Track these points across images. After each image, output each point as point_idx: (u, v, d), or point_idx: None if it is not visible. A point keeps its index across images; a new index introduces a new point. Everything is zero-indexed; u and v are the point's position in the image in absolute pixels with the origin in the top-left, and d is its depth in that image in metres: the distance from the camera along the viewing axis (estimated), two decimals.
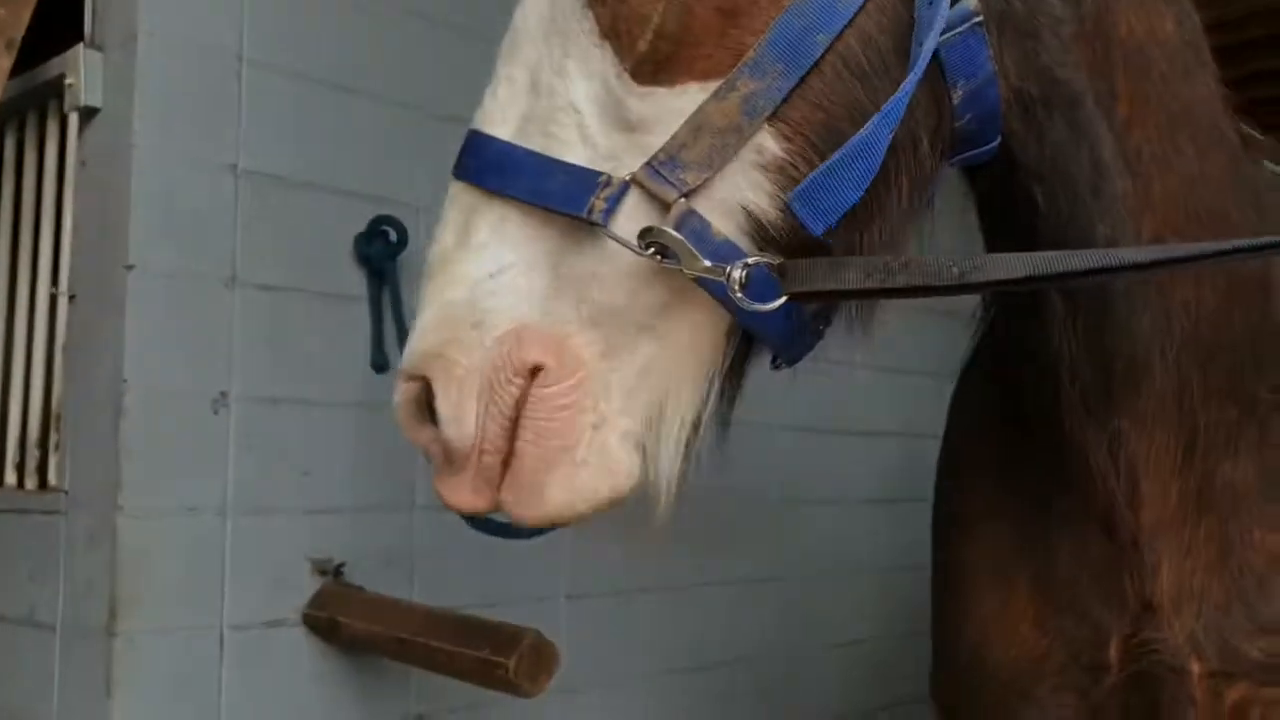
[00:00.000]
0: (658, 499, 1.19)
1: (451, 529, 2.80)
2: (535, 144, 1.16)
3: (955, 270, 1.11)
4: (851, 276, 1.11)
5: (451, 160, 2.86)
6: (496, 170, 1.16)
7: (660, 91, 1.13)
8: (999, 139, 1.30)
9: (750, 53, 1.12)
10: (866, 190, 1.13)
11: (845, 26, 1.13)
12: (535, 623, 2.27)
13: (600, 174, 1.12)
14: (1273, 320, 1.57)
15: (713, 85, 1.12)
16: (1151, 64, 1.40)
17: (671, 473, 1.18)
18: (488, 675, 2.09)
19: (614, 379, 1.15)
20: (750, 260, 1.11)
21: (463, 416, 1.14)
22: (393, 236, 2.64)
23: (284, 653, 2.49)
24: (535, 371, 1.14)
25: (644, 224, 1.11)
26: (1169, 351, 1.46)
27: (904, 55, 1.16)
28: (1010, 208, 1.38)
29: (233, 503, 2.43)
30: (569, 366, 1.13)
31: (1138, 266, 1.16)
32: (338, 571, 2.55)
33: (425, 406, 1.18)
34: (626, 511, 3.19)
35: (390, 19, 2.77)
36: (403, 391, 1.20)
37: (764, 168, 1.12)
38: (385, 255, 2.62)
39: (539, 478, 1.14)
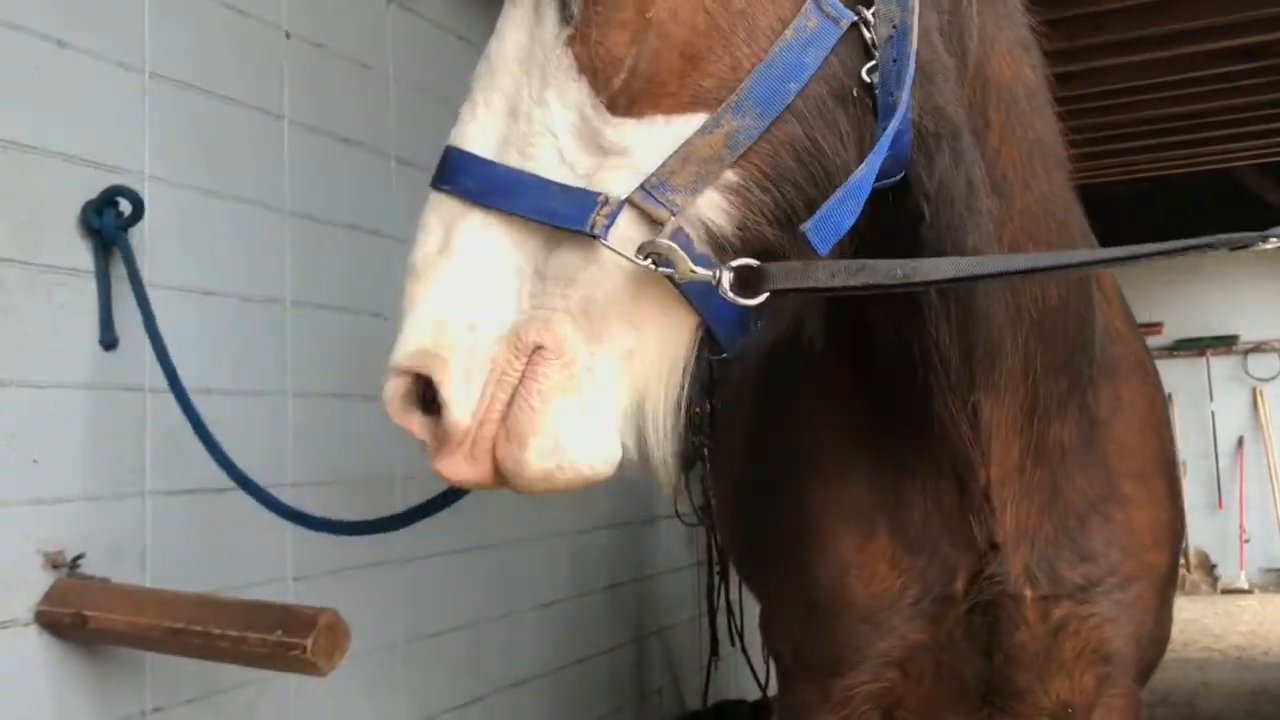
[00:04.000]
0: (659, 475, 1.33)
1: (182, 515, 2.71)
2: (515, 162, 1.29)
3: (899, 272, 1.34)
4: (821, 276, 1.32)
5: (181, 127, 2.75)
6: (496, 190, 1.28)
7: (631, 122, 1.29)
8: (903, 172, 1.52)
9: (733, 96, 1.29)
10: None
11: (810, 77, 1.32)
12: None
13: (599, 194, 1.27)
14: (1094, 310, 1.90)
15: (676, 118, 1.29)
16: (1017, 101, 1.68)
17: (665, 451, 1.32)
18: (279, 657, 2.07)
19: (598, 364, 1.27)
20: (735, 264, 1.29)
21: (466, 399, 1.26)
22: (124, 207, 2.48)
23: (13, 655, 2.30)
24: (535, 351, 1.26)
25: (636, 238, 1.26)
26: (1019, 336, 1.76)
27: (841, 99, 1.36)
28: (901, 220, 1.60)
29: None
30: (559, 347, 1.26)
31: (1025, 271, 1.45)
32: (74, 564, 2.39)
33: (413, 398, 1.29)
34: (353, 494, 3.18)
35: None
36: (394, 385, 1.29)
37: (726, 191, 1.30)
38: (118, 227, 2.46)
39: (533, 432, 1.25)
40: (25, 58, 2.38)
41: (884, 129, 1.38)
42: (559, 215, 1.26)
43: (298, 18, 3.12)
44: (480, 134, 1.32)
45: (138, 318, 2.50)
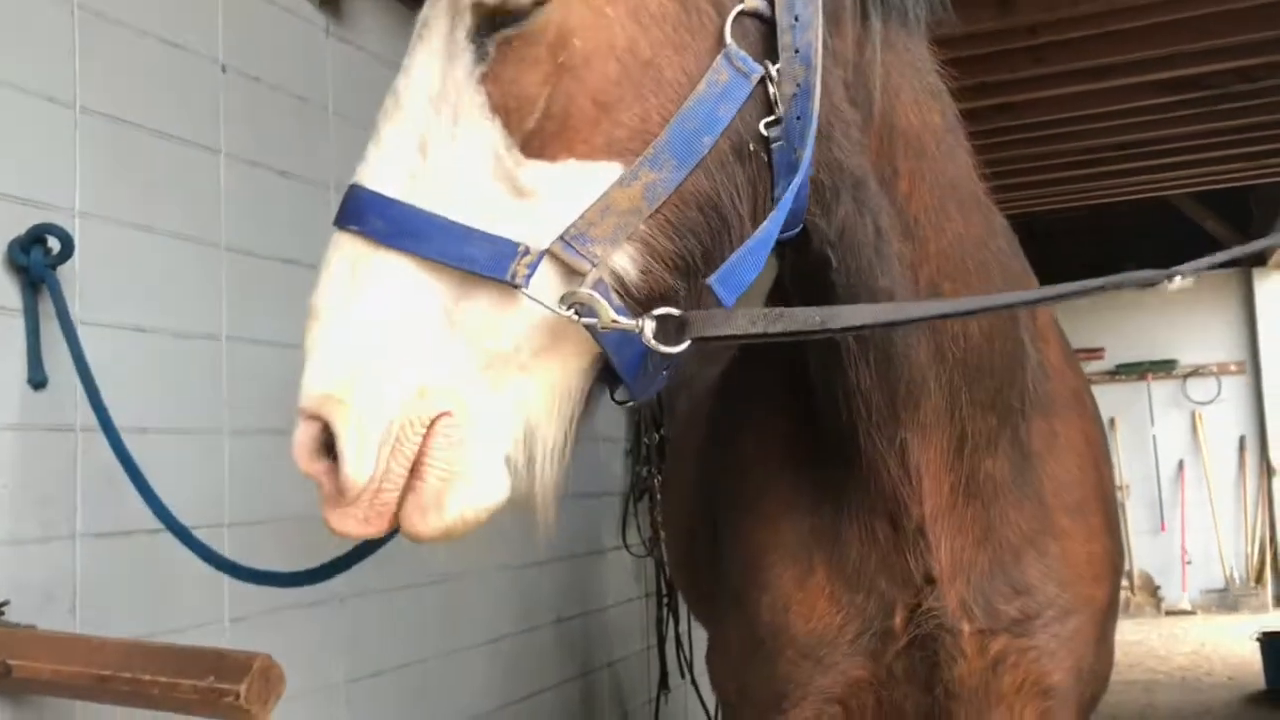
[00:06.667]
0: (540, 506, 1.34)
1: (114, 558, 2.64)
2: (425, 203, 1.29)
3: (818, 319, 1.37)
4: (741, 324, 1.34)
5: (113, 162, 2.69)
6: (407, 232, 1.28)
7: (543, 164, 1.30)
8: (802, 224, 1.55)
9: (650, 148, 1.30)
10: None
11: (722, 132, 1.35)
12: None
13: (519, 244, 1.27)
14: (1023, 346, 1.92)
15: (588, 164, 1.30)
16: (925, 147, 1.70)
17: (548, 484, 1.34)
18: (213, 704, 2.01)
19: (495, 411, 1.30)
20: (658, 312, 1.31)
21: (365, 457, 1.27)
22: (53, 245, 2.43)
23: None
24: (437, 419, 1.28)
25: (555, 288, 1.28)
26: (942, 375, 1.77)
27: (739, 151, 1.39)
28: (809, 266, 1.63)
29: None
30: (464, 411, 1.29)
31: (943, 315, 1.49)
32: None
33: (321, 443, 1.30)
34: (290, 532, 3.13)
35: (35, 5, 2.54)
36: (302, 430, 1.31)
37: (636, 240, 1.32)
38: (46, 265, 2.41)
39: (441, 500, 1.28)
40: None
41: (787, 185, 1.41)
42: (479, 263, 1.26)
43: (233, 51, 3.08)
44: (387, 172, 1.31)
45: (68, 357, 2.44)
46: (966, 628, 1.91)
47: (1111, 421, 12.31)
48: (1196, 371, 12.35)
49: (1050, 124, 6.16)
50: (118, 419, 2.44)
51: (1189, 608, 11.93)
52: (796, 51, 1.42)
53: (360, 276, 1.28)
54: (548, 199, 1.29)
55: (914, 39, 1.72)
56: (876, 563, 1.92)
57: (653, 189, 1.30)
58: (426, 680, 3.76)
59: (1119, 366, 12.46)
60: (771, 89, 1.40)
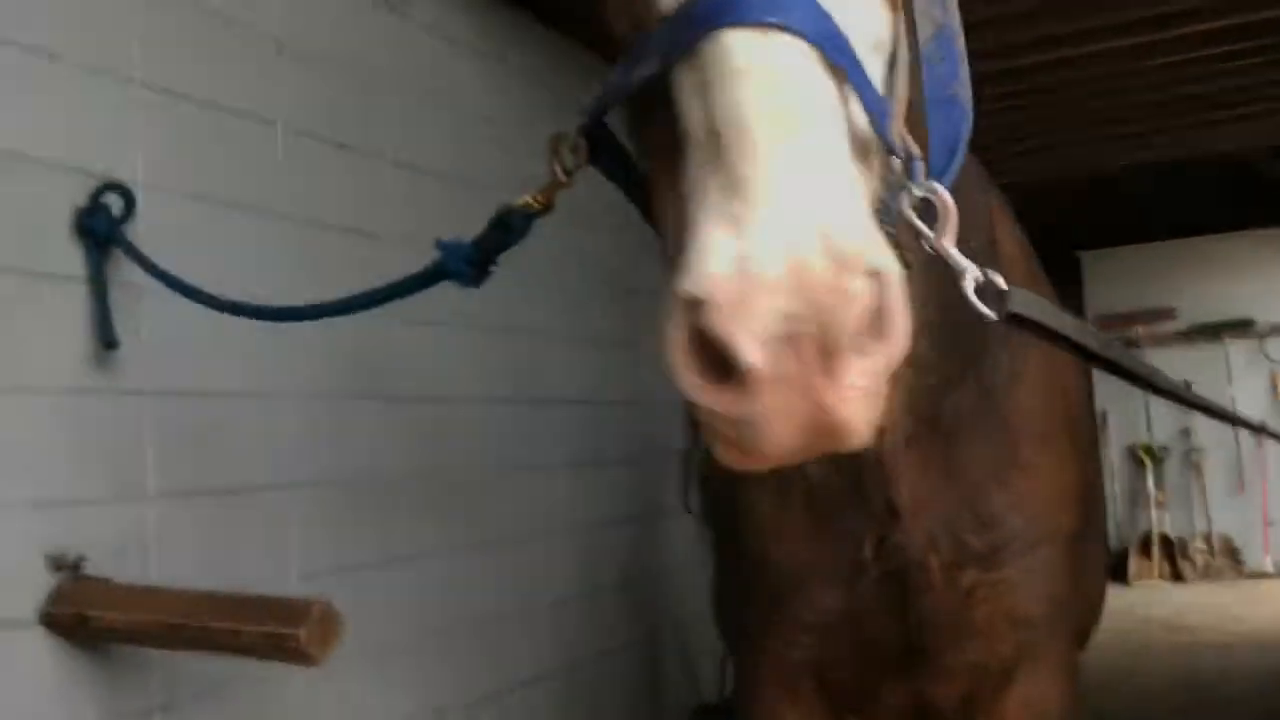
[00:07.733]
0: None
1: (185, 517, 2.74)
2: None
3: (1143, 370, 1.55)
4: (1062, 323, 1.39)
5: (172, 135, 2.77)
6: (847, 59, 1.02)
7: (892, 17, 1.16)
8: None
9: (900, 50, 1.21)
10: None
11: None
12: None
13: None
14: None
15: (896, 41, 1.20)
16: None
17: None
18: (276, 648, 2.10)
19: None
20: (988, 273, 1.27)
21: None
22: (115, 208, 2.53)
23: (19, 655, 2.34)
24: None
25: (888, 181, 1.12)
26: None
27: None
28: None
29: None
30: None
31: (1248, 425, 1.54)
32: (77, 565, 2.43)
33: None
34: (357, 493, 3.19)
35: None
36: (861, 284, 0.93)
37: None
38: (111, 225, 2.50)
39: None
40: (16, 69, 2.42)
41: (960, 122, 1.45)
42: (879, 123, 1.06)
43: (288, 25, 3.15)
44: None
45: (136, 320, 2.55)
46: (934, 561, 1.94)
47: (1186, 384, 12.05)
48: (1275, 330, 12.04)
49: (1108, 78, 6.05)
50: (183, 384, 2.54)
51: (1271, 570, 11.68)
52: None
53: (822, 94, 0.98)
54: (881, 55, 1.13)
55: None
56: (845, 500, 1.94)
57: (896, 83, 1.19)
58: (491, 640, 3.84)
59: (1192, 327, 12.19)
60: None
